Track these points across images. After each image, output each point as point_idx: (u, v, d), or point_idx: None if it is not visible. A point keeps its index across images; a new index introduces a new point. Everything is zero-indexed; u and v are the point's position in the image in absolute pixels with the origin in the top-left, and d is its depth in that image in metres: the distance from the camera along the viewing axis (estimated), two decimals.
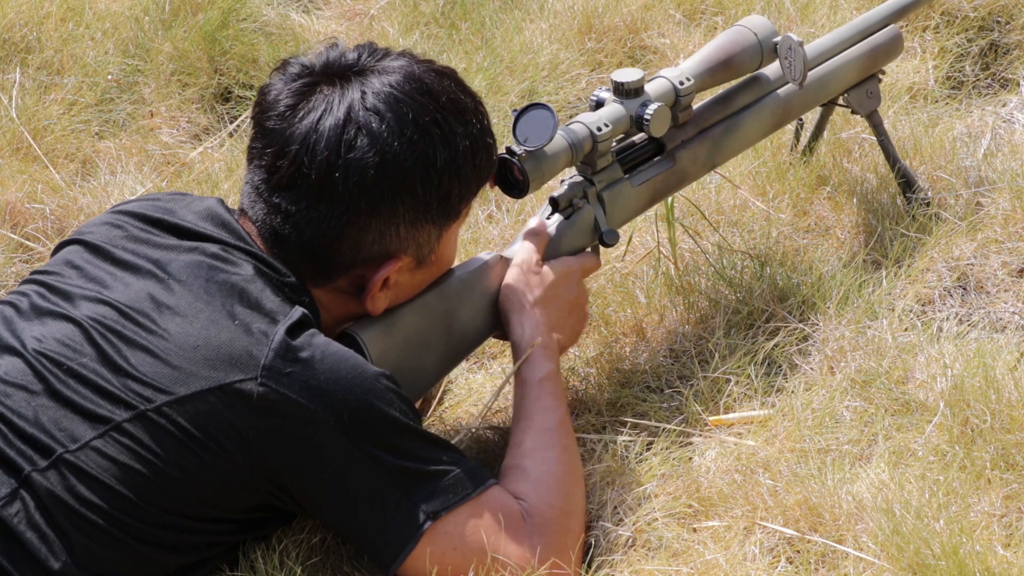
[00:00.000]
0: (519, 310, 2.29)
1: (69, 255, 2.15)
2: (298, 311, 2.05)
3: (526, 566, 2.06)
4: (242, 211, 2.17)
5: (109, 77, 3.30)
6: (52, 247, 2.24)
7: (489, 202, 2.91)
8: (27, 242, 2.88)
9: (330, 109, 2.09)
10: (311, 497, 2.04)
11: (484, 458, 2.35)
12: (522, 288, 2.29)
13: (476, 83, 3.12)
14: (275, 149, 2.11)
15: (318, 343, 2.03)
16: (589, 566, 2.16)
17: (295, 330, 2.02)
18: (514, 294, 2.29)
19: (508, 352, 2.61)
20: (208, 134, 3.25)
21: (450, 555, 2.04)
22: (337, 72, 2.13)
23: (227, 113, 3.30)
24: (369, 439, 2.01)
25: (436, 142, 2.12)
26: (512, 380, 2.27)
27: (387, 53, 2.16)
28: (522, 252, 2.33)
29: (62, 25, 3.38)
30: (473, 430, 2.40)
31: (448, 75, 2.18)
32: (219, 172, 3.03)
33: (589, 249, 2.45)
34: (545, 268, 2.32)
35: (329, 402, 1.99)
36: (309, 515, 2.12)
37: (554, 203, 2.39)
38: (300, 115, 2.10)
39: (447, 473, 2.05)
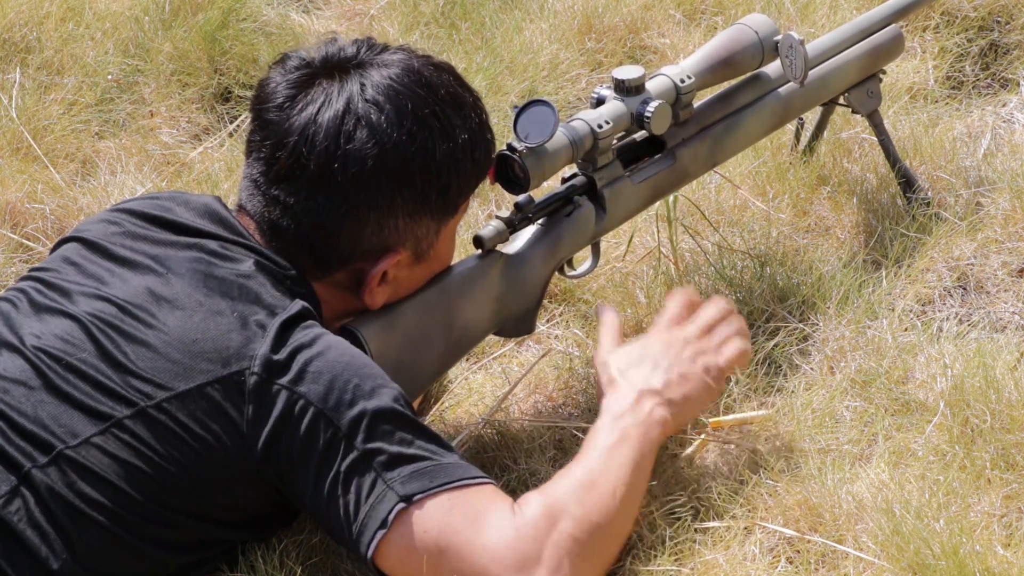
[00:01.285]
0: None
1: (67, 252, 2.15)
2: (297, 304, 2.05)
3: (498, 559, 1.97)
4: (240, 207, 2.18)
5: (109, 77, 3.29)
6: (53, 244, 2.24)
7: (489, 201, 2.91)
8: (27, 242, 2.88)
9: (329, 101, 2.10)
10: (301, 488, 2.02)
11: (483, 458, 2.35)
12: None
13: (476, 83, 3.12)
14: (274, 141, 2.11)
15: (313, 334, 2.03)
16: None
17: (293, 322, 2.02)
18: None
19: (507, 352, 2.61)
20: (208, 134, 3.25)
21: (421, 541, 1.97)
22: (336, 65, 2.13)
23: (227, 113, 3.30)
24: (354, 423, 1.99)
25: (435, 134, 2.12)
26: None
27: (386, 47, 2.17)
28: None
29: (62, 25, 3.38)
30: (468, 432, 2.40)
31: (447, 69, 2.18)
32: (219, 172, 3.03)
33: (589, 248, 2.45)
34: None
35: (322, 393, 1.99)
36: (303, 511, 2.11)
37: (478, 242, 2.31)
38: (299, 107, 2.10)
39: (430, 460, 2.00)
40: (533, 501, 2.02)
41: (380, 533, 1.97)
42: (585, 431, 2.38)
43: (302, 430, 1.99)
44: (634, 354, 2.21)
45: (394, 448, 1.99)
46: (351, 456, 1.99)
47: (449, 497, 1.98)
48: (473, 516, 1.98)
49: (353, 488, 1.99)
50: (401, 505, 1.97)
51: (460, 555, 1.98)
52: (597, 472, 2.06)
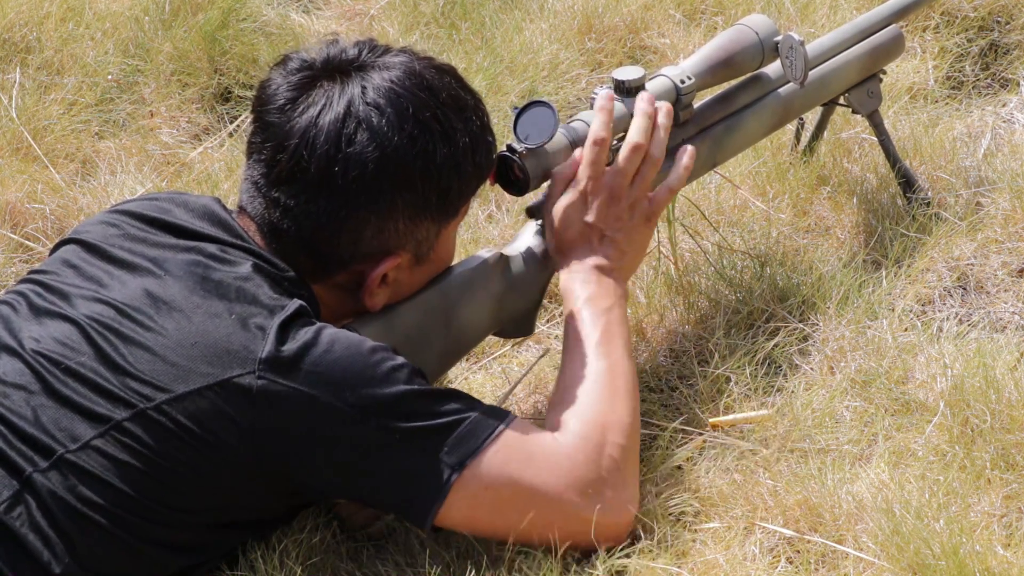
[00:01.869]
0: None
1: (66, 254, 2.15)
2: (295, 303, 2.05)
3: (563, 490, 2.06)
4: (240, 208, 2.18)
5: (109, 77, 3.29)
6: (52, 246, 2.24)
7: (489, 202, 2.91)
8: (27, 242, 2.88)
9: (330, 104, 2.09)
10: (330, 481, 2.04)
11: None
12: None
13: (476, 83, 3.12)
14: (274, 143, 2.11)
15: (313, 330, 2.03)
16: (589, 564, 2.16)
17: (291, 322, 2.02)
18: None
19: (507, 352, 2.61)
20: (208, 134, 3.25)
21: (483, 496, 2.04)
22: (337, 67, 2.13)
23: (227, 113, 3.29)
24: (376, 412, 2.01)
25: (436, 138, 2.12)
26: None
27: (387, 49, 2.17)
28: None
29: (62, 25, 3.38)
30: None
31: (448, 72, 2.18)
32: (219, 172, 3.03)
33: None
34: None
35: (330, 385, 1.99)
36: (337, 497, 2.13)
37: (532, 212, 2.38)
38: (300, 109, 2.10)
39: (461, 422, 2.04)
40: (571, 425, 2.12)
41: (439, 503, 2.02)
42: None
43: (326, 430, 2.00)
44: (578, 218, 2.29)
45: (427, 423, 2.03)
46: (387, 443, 2.01)
47: (495, 449, 2.05)
48: (526, 457, 2.06)
49: (400, 471, 2.02)
50: (455, 474, 2.02)
51: (527, 496, 2.06)
52: (608, 375, 2.17)
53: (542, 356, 2.55)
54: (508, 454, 2.05)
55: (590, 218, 2.29)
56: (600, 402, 2.14)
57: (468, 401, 2.08)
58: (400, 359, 2.05)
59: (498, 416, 2.08)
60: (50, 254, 2.20)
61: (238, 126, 3.22)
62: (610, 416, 2.13)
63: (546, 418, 2.17)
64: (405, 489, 2.03)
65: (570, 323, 2.25)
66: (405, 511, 2.07)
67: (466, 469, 2.03)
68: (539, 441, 2.09)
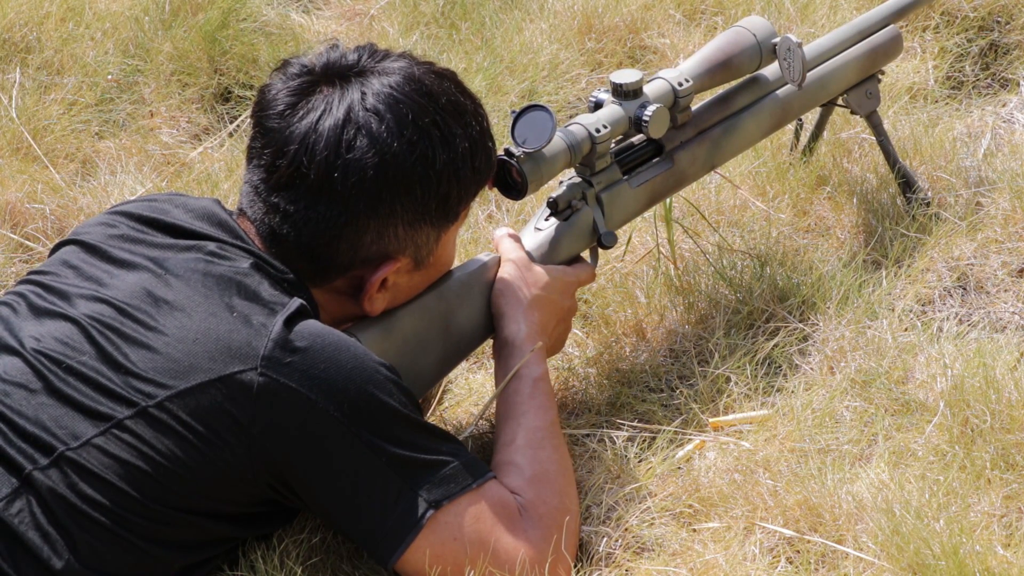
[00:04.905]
0: (516, 306, 2.28)
1: (65, 255, 2.15)
2: (296, 301, 2.05)
3: (524, 559, 2.06)
4: (240, 211, 2.18)
5: (109, 77, 3.30)
6: (51, 247, 2.24)
7: (489, 203, 2.91)
8: (27, 242, 2.88)
9: (330, 109, 2.09)
10: (311, 489, 2.03)
11: (483, 457, 2.35)
12: (519, 285, 2.29)
13: (476, 83, 3.12)
14: (274, 148, 2.11)
15: (317, 331, 2.03)
16: (589, 564, 2.16)
17: (294, 319, 2.03)
18: (510, 290, 2.29)
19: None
20: (208, 134, 3.25)
21: (449, 546, 2.04)
22: (337, 73, 2.13)
23: (227, 113, 3.30)
24: (369, 428, 2.01)
25: (435, 143, 2.12)
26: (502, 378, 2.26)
27: (387, 55, 2.17)
28: (514, 250, 2.33)
29: (62, 25, 3.38)
30: (472, 429, 2.40)
31: (448, 77, 2.18)
32: (219, 172, 3.03)
33: (587, 252, 2.45)
34: (539, 268, 2.32)
35: (329, 391, 2.00)
36: (309, 511, 2.12)
37: (553, 204, 2.39)
38: (300, 115, 2.10)
39: (447, 463, 2.05)
40: (527, 494, 2.12)
41: (411, 538, 2.02)
42: (586, 433, 2.39)
43: (317, 435, 2.00)
44: (535, 298, 2.31)
45: (415, 455, 2.03)
46: (372, 463, 2.01)
47: (470, 499, 2.05)
48: (497, 517, 2.06)
49: (377, 495, 2.02)
50: (431, 512, 2.02)
51: (492, 557, 2.05)
52: (563, 458, 2.19)
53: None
54: (481, 511, 2.06)
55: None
56: (558, 486, 2.15)
57: (456, 446, 2.08)
58: (400, 382, 2.06)
59: (479, 470, 2.08)
60: (49, 255, 2.20)
61: (238, 126, 3.22)
62: (564, 501, 2.14)
63: (500, 463, 2.18)
64: (379, 515, 2.02)
65: (526, 386, 2.26)
66: (372, 539, 2.04)
67: (440, 511, 2.03)
68: (509, 506, 2.09)
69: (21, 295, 2.11)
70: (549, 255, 2.37)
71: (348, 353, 2.03)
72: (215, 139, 3.21)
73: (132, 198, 2.43)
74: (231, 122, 3.26)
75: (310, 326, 2.03)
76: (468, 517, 2.04)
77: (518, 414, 2.21)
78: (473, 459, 2.08)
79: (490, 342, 2.52)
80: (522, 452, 2.17)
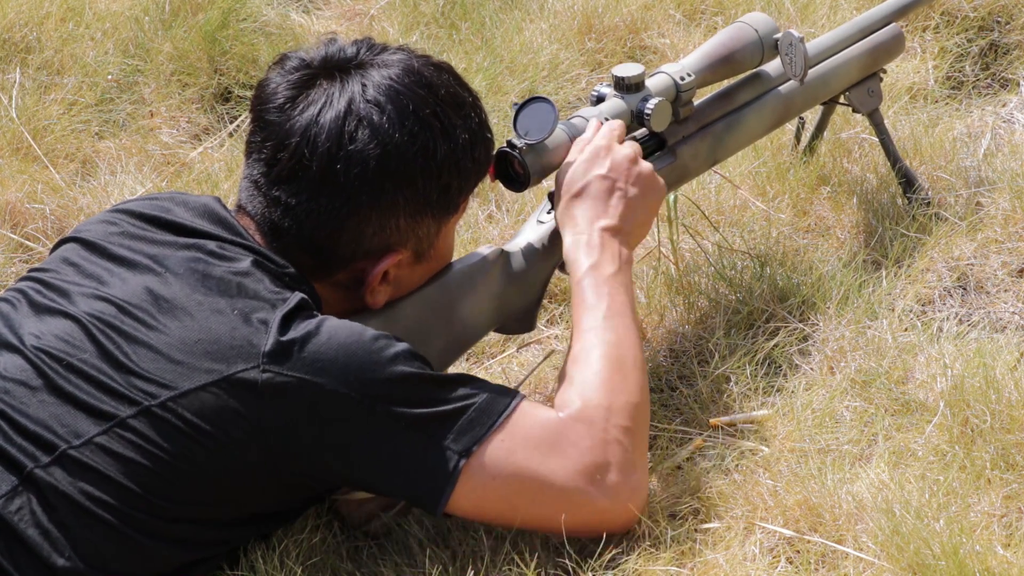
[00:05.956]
0: (561, 218, 2.29)
1: (66, 253, 2.15)
2: (296, 296, 2.05)
3: (570, 478, 2.05)
4: (239, 207, 2.18)
5: (109, 77, 3.30)
6: (52, 245, 2.24)
7: (489, 201, 2.91)
8: (27, 242, 2.88)
9: (330, 102, 2.10)
10: (339, 470, 2.04)
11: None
12: (564, 192, 2.29)
13: (476, 83, 3.12)
14: (275, 142, 2.11)
15: (316, 321, 2.03)
16: (589, 564, 2.16)
17: (293, 314, 2.03)
18: (559, 199, 2.29)
19: (507, 351, 2.61)
20: (208, 134, 3.25)
21: (491, 485, 2.04)
22: (336, 66, 2.13)
23: (227, 113, 3.30)
24: (382, 398, 2.01)
25: (436, 134, 2.13)
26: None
27: (385, 48, 2.17)
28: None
29: (62, 25, 3.38)
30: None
31: (446, 69, 2.19)
32: (219, 172, 3.03)
33: None
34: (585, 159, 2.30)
35: (335, 373, 1.99)
36: (347, 486, 2.13)
37: (552, 197, 2.39)
38: (300, 108, 2.11)
39: (468, 407, 2.04)
40: (577, 407, 2.10)
41: (448, 491, 2.02)
42: None
43: (332, 418, 2.00)
44: (592, 171, 2.28)
45: (432, 409, 2.03)
46: (393, 430, 2.01)
47: (501, 435, 2.05)
48: (532, 445, 2.05)
49: (406, 458, 2.02)
50: (463, 461, 2.02)
51: (533, 483, 2.05)
52: (614, 349, 2.15)
53: (546, 357, 2.55)
54: (513, 442, 2.05)
55: (602, 170, 2.28)
56: (606, 382, 2.12)
57: (474, 385, 2.07)
58: (403, 345, 2.05)
59: (504, 398, 2.07)
60: (50, 253, 2.20)
61: (238, 126, 3.22)
62: (616, 397, 2.11)
63: (556, 393, 2.17)
64: (413, 477, 2.03)
65: (576, 294, 2.24)
66: (416, 499, 2.07)
67: (472, 457, 2.03)
68: (545, 426, 2.08)
69: (21, 292, 2.11)
70: (551, 249, 2.37)
71: (346, 331, 2.03)
72: (215, 139, 3.21)
73: (133, 197, 2.43)
74: (231, 122, 3.26)
75: (308, 317, 2.03)
76: (502, 452, 2.04)
77: (576, 320, 2.20)
78: (493, 394, 2.07)
79: (491, 339, 2.53)
80: (573, 361, 2.15)
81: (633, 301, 2.23)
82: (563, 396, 2.12)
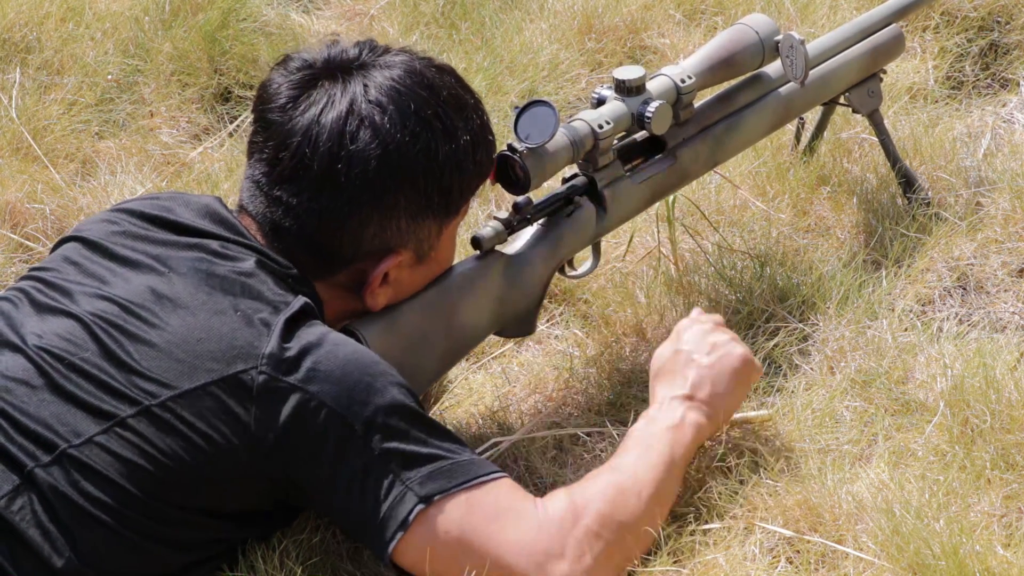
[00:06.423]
0: (653, 384, 2.24)
1: (67, 252, 2.15)
2: (300, 300, 2.05)
3: (518, 556, 2.00)
4: (241, 207, 2.18)
5: (109, 77, 3.29)
6: (53, 244, 2.24)
7: (489, 202, 2.91)
8: (27, 242, 2.88)
9: (332, 102, 2.10)
10: (309, 485, 2.03)
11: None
12: (661, 360, 2.25)
13: (476, 83, 3.12)
14: (276, 142, 2.11)
15: (318, 331, 2.03)
16: None
17: (296, 319, 2.03)
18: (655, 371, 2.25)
19: (507, 351, 2.61)
20: (208, 134, 3.25)
21: (440, 540, 1.99)
22: (339, 67, 2.14)
23: (227, 113, 3.30)
24: (367, 421, 2.00)
25: (438, 135, 2.13)
26: None
27: (387, 49, 2.18)
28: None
29: (62, 25, 3.38)
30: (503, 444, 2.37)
31: (448, 71, 2.19)
32: (219, 172, 3.03)
33: (590, 248, 2.45)
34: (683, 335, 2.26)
35: (328, 387, 1.99)
36: (312, 506, 2.11)
37: (476, 243, 2.32)
38: (302, 108, 2.11)
39: (446, 459, 2.01)
40: (559, 498, 2.06)
41: (400, 534, 1.98)
42: (587, 433, 2.39)
43: (315, 429, 1.99)
44: (667, 361, 2.24)
45: (410, 447, 2.00)
46: (367, 456, 1.99)
47: (467, 496, 2.00)
48: (494, 513, 2.01)
49: (371, 488, 2.00)
50: (420, 506, 1.99)
51: (483, 551, 2.00)
52: (625, 474, 2.10)
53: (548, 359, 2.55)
54: (473, 507, 2.00)
55: (680, 346, 2.24)
56: (600, 493, 2.06)
57: (463, 446, 2.04)
58: (402, 379, 2.04)
59: (486, 468, 2.03)
60: (51, 252, 2.20)
61: (238, 126, 3.22)
62: (603, 507, 2.05)
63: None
64: (372, 509, 2.00)
65: (622, 441, 2.19)
66: (367, 533, 2.02)
67: (431, 506, 1.98)
68: (513, 506, 2.02)
69: (23, 291, 2.11)
70: (552, 251, 2.37)
71: (346, 349, 2.03)
72: (215, 139, 3.21)
73: (134, 196, 2.43)
74: (231, 122, 3.26)
75: (311, 325, 2.03)
76: (459, 513, 2.00)
77: (624, 447, 2.15)
78: (477, 461, 2.04)
79: (491, 339, 2.52)
80: (594, 475, 2.11)
81: (682, 460, 2.15)
82: (555, 492, 2.08)
